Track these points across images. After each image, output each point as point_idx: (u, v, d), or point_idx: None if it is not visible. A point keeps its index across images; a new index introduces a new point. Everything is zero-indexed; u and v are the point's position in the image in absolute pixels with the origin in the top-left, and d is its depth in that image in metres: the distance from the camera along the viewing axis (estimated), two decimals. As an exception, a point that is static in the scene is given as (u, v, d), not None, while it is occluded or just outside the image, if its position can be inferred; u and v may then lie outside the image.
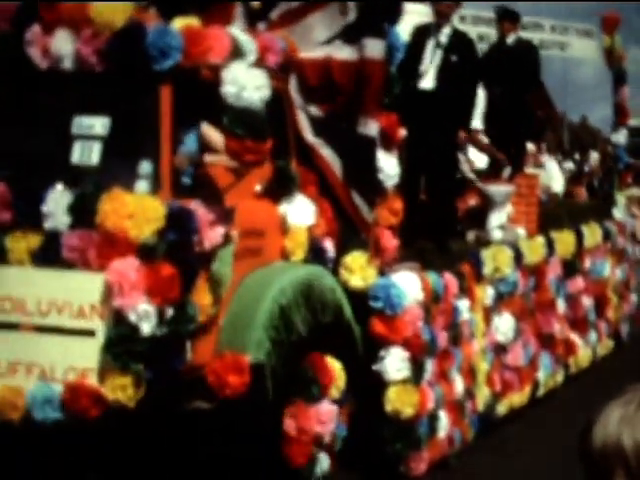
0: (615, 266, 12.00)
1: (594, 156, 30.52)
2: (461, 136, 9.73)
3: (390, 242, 7.10)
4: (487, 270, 8.34)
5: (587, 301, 10.79)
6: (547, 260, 9.70)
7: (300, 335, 6.31)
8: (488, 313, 8.40)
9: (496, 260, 8.55)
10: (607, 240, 11.68)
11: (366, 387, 6.97)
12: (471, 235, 9.31)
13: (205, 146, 6.20)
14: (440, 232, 8.49)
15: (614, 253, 11.96)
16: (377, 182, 7.00)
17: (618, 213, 12.57)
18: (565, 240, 10.25)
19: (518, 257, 8.97)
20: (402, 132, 7.77)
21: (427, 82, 8.40)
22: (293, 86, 6.98)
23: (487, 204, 9.90)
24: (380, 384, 6.99)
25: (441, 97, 8.29)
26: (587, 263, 10.92)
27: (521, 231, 9.71)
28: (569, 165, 28.60)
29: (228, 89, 5.77)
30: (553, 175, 12.23)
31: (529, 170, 11.65)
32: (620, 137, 12.60)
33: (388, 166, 7.04)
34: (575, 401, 9.62)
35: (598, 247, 11.40)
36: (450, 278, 7.65)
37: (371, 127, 6.94)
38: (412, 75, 8.24)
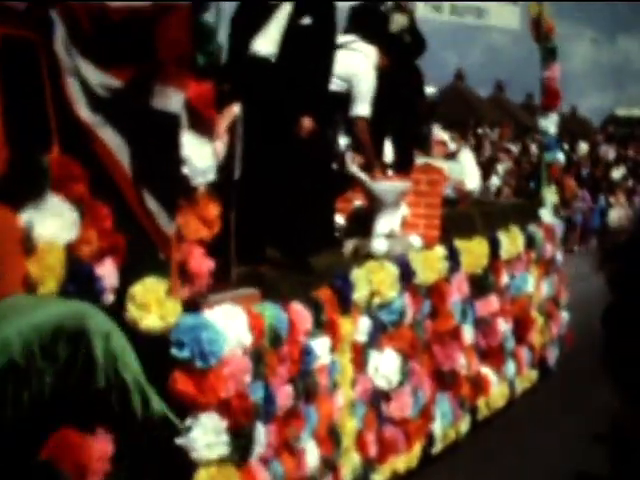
0: (541, 279, 9.98)
1: (583, 147, 28.55)
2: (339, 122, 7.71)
3: (201, 264, 4.98)
4: (359, 295, 6.26)
5: (503, 325, 8.75)
6: (449, 277, 7.64)
7: (37, 408, 4.18)
8: (361, 352, 6.32)
9: (374, 281, 6.47)
10: (531, 248, 9.65)
11: (168, 471, 4.87)
12: (349, 246, 7.22)
13: None
14: (299, 244, 6.41)
15: (540, 263, 9.94)
16: (181, 179, 4.89)
17: (546, 214, 10.56)
18: (475, 250, 8.21)
19: (407, 275, 6.90)
20: (233, 110, 5.68)
21: (265, 46, 6.31)
22: (59, 39, 4.81)
23: (375, 206, 7.84)
24: (186, 465, 4.88)
25: (281, 68, 6.21)
26: (504, 278, 8.88)
27: (416, 240, 7.66)
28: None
29: None
30: (467, 169, 10.16)
31: (433, 161, 9.59)
32: (549, 124, 10.57)
33: (197, 157, 4.93)
34: (483, 454, 7.61)
35: (519, 257, 9.37)
36: (298, 310, 5.55)
37: (172, 100, 4.82)
38: (246, 34, 6.17)
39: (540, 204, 10.65)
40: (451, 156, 10.47)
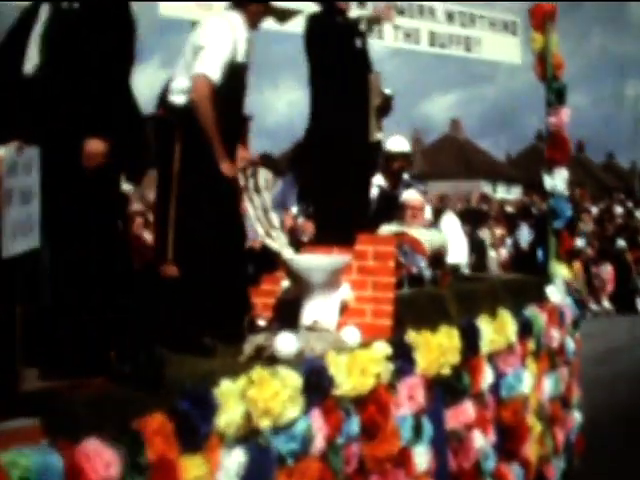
0: (542, 375, 7.95)
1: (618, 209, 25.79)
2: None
3: None
4: (228, 419, 4.30)
5: (480, 440, 6.71)
6: (394, 382, 5.66)
7: None
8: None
9: (259, 397, 4.51)
10: (527, 336, 7.63)
11: None
12: (251, 345, 5.30)
13: None
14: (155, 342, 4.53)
15: (541, 355, 7.92)
16: None
17: (554, 293, 8.55)
18: (440, 344, 6.23)
19: (318, 385, 4.93)
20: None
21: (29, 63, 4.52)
22: None
23: (301, 288, 5.95)
24: None
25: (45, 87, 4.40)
26: (486, 377, 6.87)
27: (352, 334, 5.72)
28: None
29: None
30: (451, 238, 8.20)
31: (407, 229, 7.65)
32: (557, 182, 8.59)
33: None
34: None
35: (511, 349, 7.36)
36: (93, 450, 3.60)
37: None
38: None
39: (548, 280, 8.66)
40: (431, 223, 8.49)
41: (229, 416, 4.30)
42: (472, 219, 17.22)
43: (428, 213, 8.63)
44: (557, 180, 8.51)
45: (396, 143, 8.97)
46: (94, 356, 4.50)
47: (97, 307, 4.53)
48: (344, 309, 6.15)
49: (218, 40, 5.56)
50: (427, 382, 6.02)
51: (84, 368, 4.42)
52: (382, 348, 5.59)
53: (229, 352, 5.37)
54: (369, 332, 6.01)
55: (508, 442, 7.20)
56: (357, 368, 5.28)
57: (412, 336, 6.01)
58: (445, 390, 6.30)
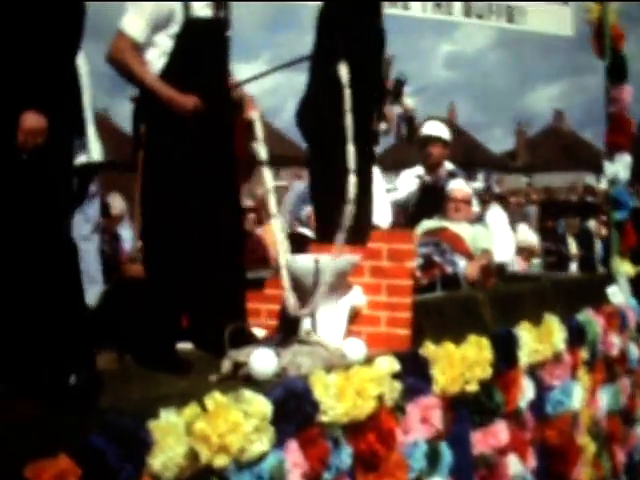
0: (598, 387, 7.03)
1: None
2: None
3: None
4: (165, 459, 3.52)
5: (516, 465, 5.84)
6: (403, 404, 4.84)
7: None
8: None
9: (215, 429, 3.73)
10: (579, 344, 6.73)
11: None
12: (227, 364, 4.52)
13: None
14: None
15: (596, 365, 7.01)
16: None
17: (616, 294, 7.62)
18: (465, 357, 5.38)
19: (295, 411, 4.14)
20: None
21: None
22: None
23: (301, 293, 5.16)
24: None
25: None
26: (525, 393, 6.00)
27: (355, 347, 4.90)
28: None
29: None
30: (497, 234, 7.32)
31: (449, 225, 6.78)
32: (619, 168, 7.63)
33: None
34: None
35: (558, 359, 6.47)
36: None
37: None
38: None
39: (609, 280, 7.73)
40: (476, 218, 7.58)
41: (167, 455, 3.52)
42: (580, 211, 16.27)
43: (475, 206, 7.75)
44: (619, 167, 7.56)
45: (430, 127, 8.14)
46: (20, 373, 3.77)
47: (25, 315, 3.80)
48: (355, 317, 5.35)
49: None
50: (447, 402, 5.19)
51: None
52: (387, 364, 4.76)
53: (210, 369, 4.60)
54: (383, 343, 5.21)
55: (554, 466, 6.32)
56: (351, 389, 4.47)
57: (429, 348, 5.17)
58: (472, 410, 5.45)
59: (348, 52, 5.49)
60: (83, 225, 6.32)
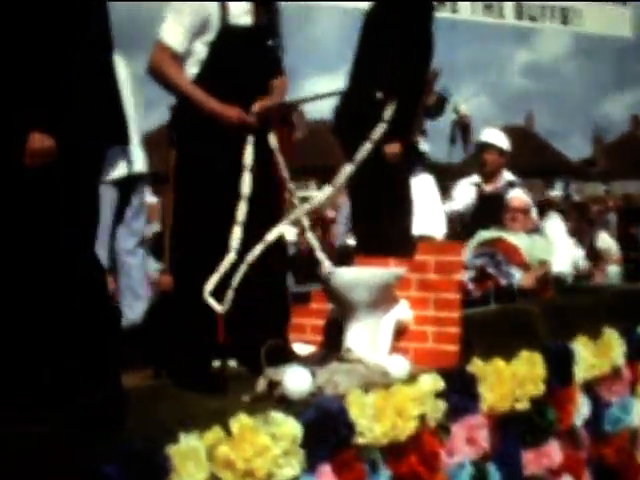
0: (659, 404, 6.75)
1: None
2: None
3: None
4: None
5: (571, 487, 5.61)
6: (447, 424, 4.64)
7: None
8: None
9: (238, 455, 3.57)
10: (638, 358, 6.47)
11: None
12: (262, 383, 4.35)
13: None
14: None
15: (659, 380, 6.72)
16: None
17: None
18: (516, 373, 5.17)
19: (330, 433, 3.97)
20: None
21: None
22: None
23: (341, 308, 5.00)
24: None
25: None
26: (581, 409, 5.76)
27: (398, 364, 4.72)
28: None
29: None
30: (555, 244, 7.08)
31: (506, 235, 6.56)
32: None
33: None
34: None
35: (618, 374, 6.22)
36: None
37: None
38: None
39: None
40: (534, 228, 7.34)
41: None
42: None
43: (534, 215, 7.52)
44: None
45: (487, 134, 7.95)
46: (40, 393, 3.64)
47: (43, 335, 3.67)
48: (402, 332, 5.17)
49: (179, 4, 4.63)
50: (495, 420, 4.98)
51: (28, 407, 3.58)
52: (430, 382, 4.57)
53: (247, 388, 4.44)
54: (431, 360, 5.01)
55: (611, 486, 6.07)
56: (391, 409, 4.29)
57: (477, 365, 4.97)
58: (523, 429, 5.23)
59: (394, 55, 5.33)
60: (128, 239, 6.17)
